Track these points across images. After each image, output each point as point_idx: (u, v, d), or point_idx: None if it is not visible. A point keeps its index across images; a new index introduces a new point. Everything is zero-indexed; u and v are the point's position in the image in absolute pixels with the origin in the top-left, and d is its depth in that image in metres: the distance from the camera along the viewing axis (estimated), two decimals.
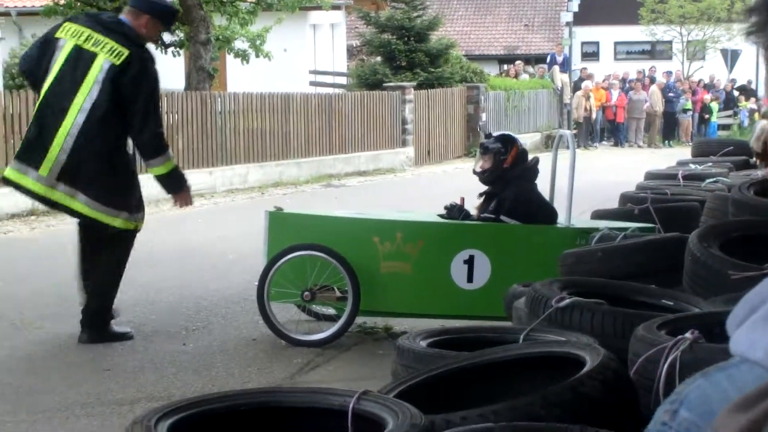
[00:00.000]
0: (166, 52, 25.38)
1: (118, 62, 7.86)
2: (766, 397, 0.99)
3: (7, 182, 8.11)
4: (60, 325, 8.69)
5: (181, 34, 24.79)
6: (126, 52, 7.89)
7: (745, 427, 1.05)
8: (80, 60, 7.89)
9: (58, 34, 8.08)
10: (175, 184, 8.66)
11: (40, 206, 15.74)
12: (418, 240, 8.32)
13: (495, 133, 8.77)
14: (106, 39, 7.93)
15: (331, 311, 8.52)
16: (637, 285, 6.25)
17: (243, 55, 24.98)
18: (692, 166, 12.76)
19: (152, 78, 8.04)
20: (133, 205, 8.31)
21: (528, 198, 8.43)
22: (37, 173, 7.81)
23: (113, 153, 8.05)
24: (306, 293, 8.17)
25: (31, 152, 7.91)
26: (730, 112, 39.01)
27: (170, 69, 29.03)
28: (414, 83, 27.00)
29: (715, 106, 37.53)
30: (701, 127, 37.12)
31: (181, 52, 25.52)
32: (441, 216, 8.68)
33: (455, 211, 8.56)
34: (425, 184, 21.56)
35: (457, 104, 28.12)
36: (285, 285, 8.15)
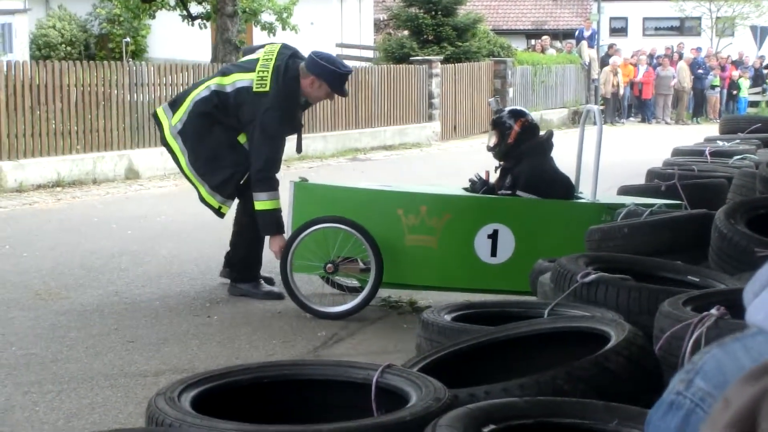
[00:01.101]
0: (192, 25, 25.40)
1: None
2: None
3: None
4: (84, 296, 8.72)
5: (208, 7, 24.80)
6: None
7: (757, 396, 1.03)
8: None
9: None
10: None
11: (66, 178, 15.87)
12: (443, 214, 8.30)
13: (506, 108, 8.74)
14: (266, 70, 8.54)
15: (355, 283, 8.51)
16: (663, 261, 6.22)
17: (270, 28, 24.98)
18: (720, 142, 12.69)
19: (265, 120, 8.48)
20: None
21: (541, 172, 8.39)
22: None
23: None
24: (329, 265, 8.19)
25: None
26: (758, 89, 38.76)
27: (196, 41, 29.11)
28: (441, 57, 26.91)
29: (744, 82, 37.28)
30: (729, 104, 36.90)
31: (208, 24, 25.55)
32: (465, 189, 8.69)
33: (479, 184, 8.57)
34: (451, 159, 21.50)
35: (483, 79, 28.03)
36: (308, 257, 8.15)
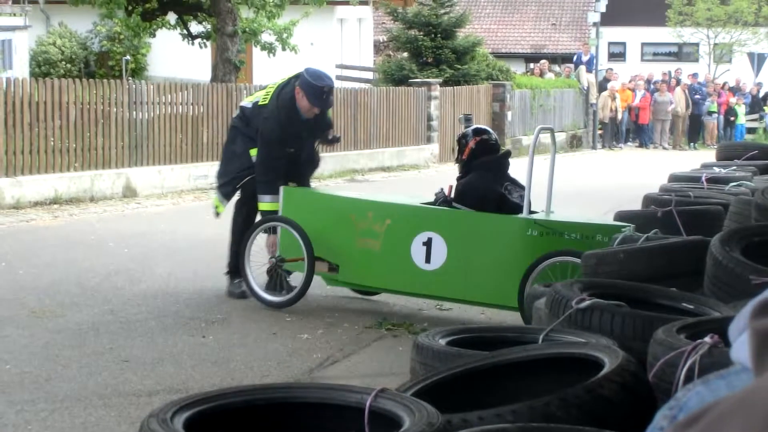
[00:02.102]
0: (192, 44, 25.45)
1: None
2: (706, 415, 0.97)
3: None
4: (80, 314, 8.72)
5: (208, 26, 24.84)
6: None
7: None
8: None
9: None
10: None
11: (64, 195, 15.88)
12: (385, 219, 8.99)
13: (472, 126, 9.28)
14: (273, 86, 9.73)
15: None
16: (658, 288, 6.23)
17: (269, 48, 24.99)
18: (716, 169, 12.70)
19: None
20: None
21: (475, 186, 8.81)
22: None
23: None
24: (272, 259, 9.37)
25: None
26: (755, 116, 38.83)
27: (196, 60, 29.15)
28: (440, 80, 26.96)
29: (740, 109, 37.34)
30: (727, 130, 36.97)
31: (208, 43, 25.58)
32: (429, 203, 9.14)
33: (439, 197, 9.04)
34: (448, 181, 21.48)
35: (482, 102, 28.07)
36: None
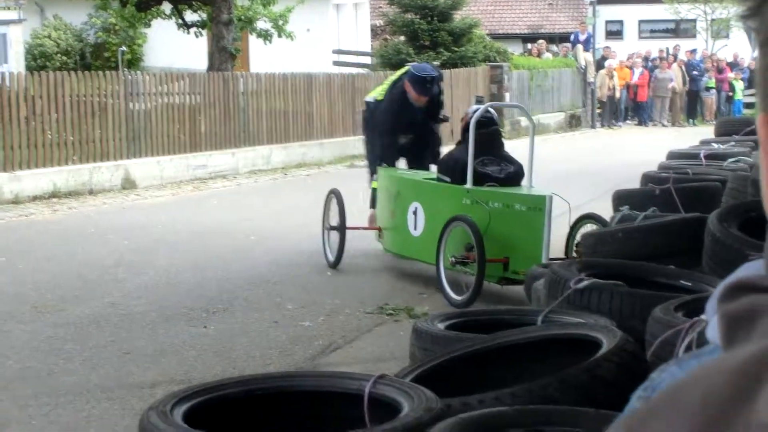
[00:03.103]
0: (188, 33, 25.41)
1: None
2: (639, 410, 0.97)
3: None
4: (81, 308, 8.73)
5: (204, 15, 24.80)
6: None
7: None
8: None
9: None
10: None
11: (62, 188, 15.88)
12: (398, 192, 10.23)
13: (480, 106, 10.01)
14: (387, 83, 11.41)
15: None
16: (656, 266, 6.24)
17: (265, 36, 24.97)
18: (714, 145, 12.71)
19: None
20: None
21: (446, 158, 10.03)
22: None
23: None
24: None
25: None
26: (753, 91, 38.71)
27: (192, 49, 29.10)
28: (437, 63, 26.90)
29: (738, 84, 37.29)
30: (726, 106, 36.91)
31: (204, 32, 25.54)
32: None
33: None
34: None
35: (480, 84, 28.01)
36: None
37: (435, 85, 10.96)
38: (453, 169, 9.54)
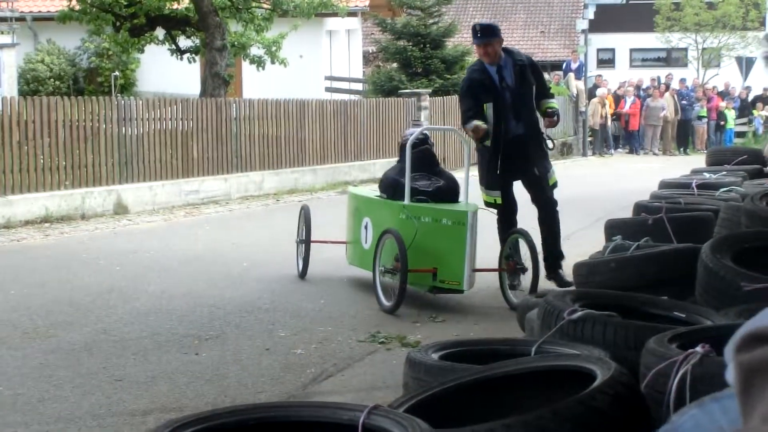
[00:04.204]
0: (181, 58, 25.46)
1: None
2: None
3: None
4: (73, 334, 8.70)
5: (197, 41, 24.85)
6: None
7: None
8: None
9: None
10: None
11: (55, 213, 15.86)
12: (353, 207, 11.24)
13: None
14: None
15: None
16: (650, 297, 6.23)
17: (258, 62, 25.03)
18: (706, 174, 12.72)
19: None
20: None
21: (383, 177, 11.02)
22: None
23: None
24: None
25: None
26: (744, 120, 38.90)
27: (186, 75, 29.15)
28: (430, 90, 27.00)
29: (730, 113, 37.41)
30: (717, 134, 37.02)
31: (197, 58, 25.59)
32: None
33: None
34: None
35: None
36: None
37: (486, 31, 10.52)
38: (388, 187, 10.61)
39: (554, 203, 10.38)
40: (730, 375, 1.23)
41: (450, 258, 9.59)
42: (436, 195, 10.25)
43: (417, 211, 9.85)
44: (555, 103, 10.70)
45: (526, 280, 9.89)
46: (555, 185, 10.46)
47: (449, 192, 10.39)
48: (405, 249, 9.33)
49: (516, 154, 10.15)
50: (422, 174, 10.40)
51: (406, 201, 10.03)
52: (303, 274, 11.25)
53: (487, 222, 10.49)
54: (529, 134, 10.30)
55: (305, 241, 11.27)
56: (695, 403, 1.29)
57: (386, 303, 9.64)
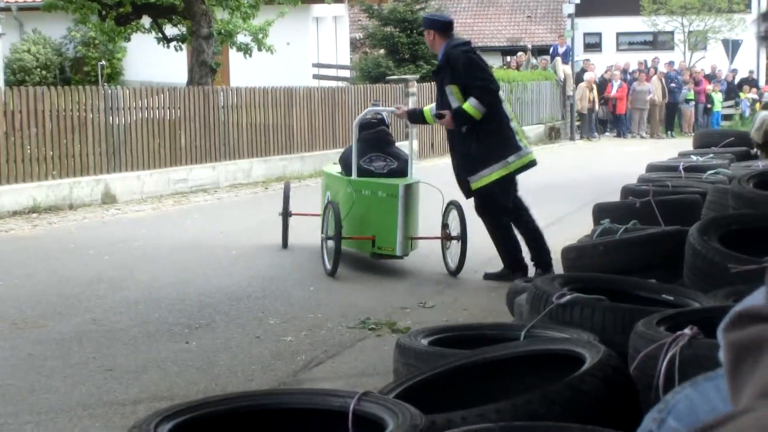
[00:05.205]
0: (168, 47, 25.41)
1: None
2: (717, 429, 0.97)
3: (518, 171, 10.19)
4: (62, 324, 8.69)
5: (183, 29, 24.80)
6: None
7: None
8: None
9: None
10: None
11: (42, 203, 15.84)
12: (325, 183, 12.25)
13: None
14: None
15: None
16: (638, 280, 6.26)
17: (245, 49, 24.99)
18: (693, 157, 12.75)
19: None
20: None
21: (341, 155, 11.94)
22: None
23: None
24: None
25: None
26: (731, 103, 38.96)
27: (172, 63, 29.12)
28: (417, 76, 26.98)
29: (717, 96, 37.47)
30: (704, 117, 37.08)
31: (184, 46, 25.55)
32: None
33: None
34: (426, 176, 21.50)
35: None
36: None
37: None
38: (343, 164, 11.50)
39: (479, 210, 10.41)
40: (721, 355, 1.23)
41: (385, 227, 10.73)
42: (391, 177, 11.11)
43: (359, 185, 10.93)
44: (465, 106, 10.14)
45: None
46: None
47: (403, 174, 11.22)
48: (340, 219, 10.52)
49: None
50: (377, 155, 11.24)
51: (354, 176, 11.06)
52: (284, 245, 12.28)
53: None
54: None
55: (284, 214, 12.26)
56: (688, 382, 1.29)
57: (328, 266, 10.68)
